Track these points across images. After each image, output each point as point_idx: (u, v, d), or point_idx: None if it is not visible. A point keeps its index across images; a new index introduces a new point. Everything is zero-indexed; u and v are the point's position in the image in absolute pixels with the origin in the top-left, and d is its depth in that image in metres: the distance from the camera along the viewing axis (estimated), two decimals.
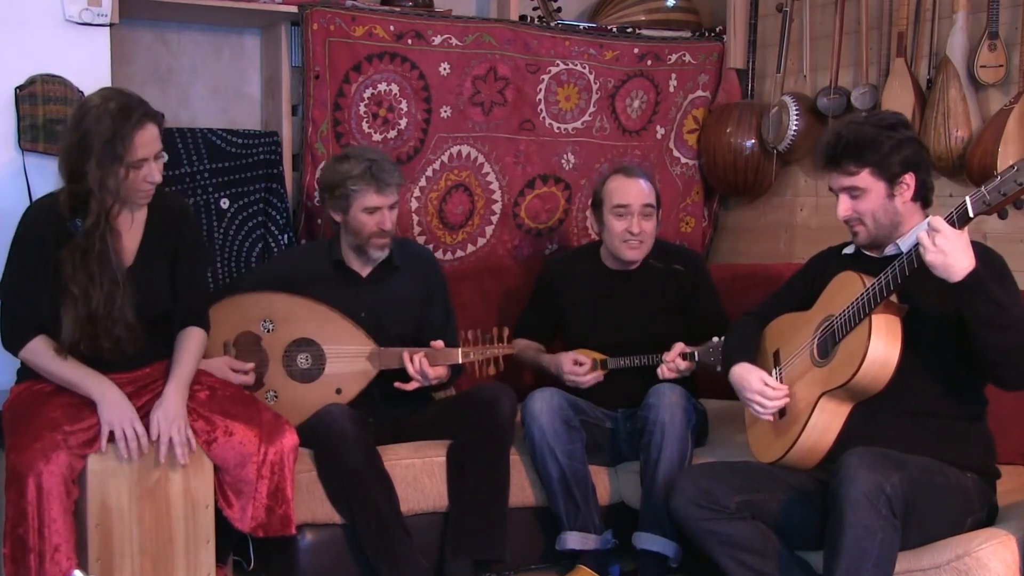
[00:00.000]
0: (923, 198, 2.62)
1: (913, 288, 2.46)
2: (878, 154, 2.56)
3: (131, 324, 2.67)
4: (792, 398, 2.71)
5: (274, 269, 3.38)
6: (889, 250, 2.62)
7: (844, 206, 2.61)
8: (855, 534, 2.28)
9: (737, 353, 2.85)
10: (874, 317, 2.46)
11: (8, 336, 2.70)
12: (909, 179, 2.57)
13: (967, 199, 2.29)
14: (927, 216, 2.59)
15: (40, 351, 2.66)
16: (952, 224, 2.30)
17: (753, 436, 2.87)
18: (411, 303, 3.28)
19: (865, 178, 2.58)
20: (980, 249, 2.39)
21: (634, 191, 3.35)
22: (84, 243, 2.63)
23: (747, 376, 2.76)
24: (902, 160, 2.56)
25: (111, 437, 2.62)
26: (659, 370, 3.20)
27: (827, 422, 2.59)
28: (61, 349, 2.64)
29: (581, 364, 3.30)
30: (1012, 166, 2.23)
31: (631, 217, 3.33)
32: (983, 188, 2.26)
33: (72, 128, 2.64)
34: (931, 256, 2.30)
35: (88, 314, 2.63)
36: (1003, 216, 2.34)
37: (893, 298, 2.46)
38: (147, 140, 2.64)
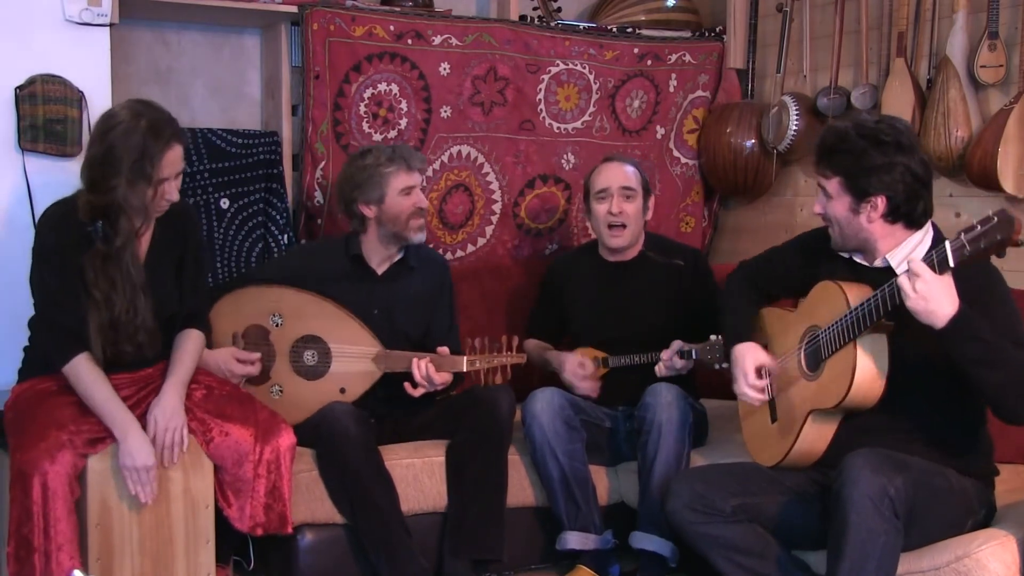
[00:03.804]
0: (904, 220, 2.51)
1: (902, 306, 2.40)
2: (850, 167, 2.49)
3: (152, 329, 2.68)
4: (784, 403, 2.71)
5: (291, 262, 3.37)
6: (879, 262, 2.56)
7: (817, 204, 2.62)
8: (858, 536, 2.28)
9: (739, 325, 2.83)
10: (859, 340, 2.43)
11: (54, 350, 2.66)
12: (879, 201, 2.48)
13: (947, 246, 2.22)
14: (914, 233, 2.53)
15: (83, 370, 2.62)
16: (932, 268, 2.24)
17: (748, 434, 2.88)
18: (423, 303, 3.29)
19: (834, 185, 2.54)
20: (981, 266, 2.35)
21: (614, 174, 3.41)
22: (105, 250, 2.62)
23: (745, 355, 2.74)
24: (875, 181, 2.46)
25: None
26: (656, 368, 3.20)
27: (818, 433, 2.59)
28: (99, 367, 2.62)
29: (583, 366, 3.31)
30: (991, 216, 2.15)
31: (611, 199, 3.36)
32: (963, 236, 2.19)
33: (97, 139, 2.62)
34: (912, 303, 2.25)
35: (111, 320, 2.63)
36: (1001, 255, 2.26)
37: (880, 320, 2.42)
38: (174, 159, 2.65)
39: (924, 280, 2.23)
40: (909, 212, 2.50)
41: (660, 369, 3.20)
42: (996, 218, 2.14)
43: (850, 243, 2.58)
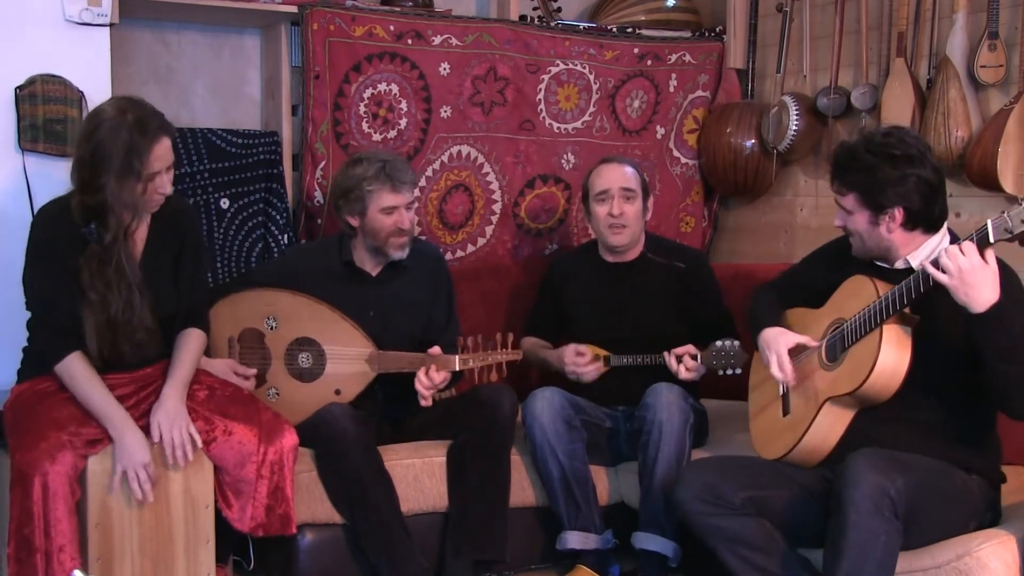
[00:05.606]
0: (922, 226, 2.56)
1: (927, 300, 2.43)
2: (865, 184, 2.54)
3: (150, 328, 2.68)
4: (799, 396, 2.70)
5: (285, 265, 3.37)
6: (899, 264, 2.60)
7: (837, 218, 2.66)
8: (858, 536, 2.28)
9: (767, 317, 2.84)
10: (885, 327, 2.46)
11: (47, 349, 2.67)
12: (897, 212, 2.53)
13: (988, 224, 2.26)
14: (932, 236, 2.57)
15: (76, 370, 2.63)
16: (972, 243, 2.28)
17: (756, 430, 2.87)
18: (419, 303, 3.28)
19: (850, 201, 2.59)
20: (1001, 269, 2.35)
21: (614, 175, 3.40)
22: (100, 251, 2.61)
23: (777, 338, 2.73)
24: (891, 194, 2.51)
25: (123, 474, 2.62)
26: (678, 369, 3.19)
27: (831, 425, 2.59)
28: (92, 366, 2.62)
29: (582, 354, 3.31)
30: None
31: (611, 200, 3.36)
32: (1005, 214, 2.23)
33: (84, 138, 2.61)
34: (952, 282, 2.29)
35: (108, 320, 2.62)
36: None
37: (905, 308, 2.45)
38: (162, 153, 2.63)
39: (970, 262, 2.26)
40: (927, 217, 2.55)
41: (681, 372, 3.18)
42: None
43: (872, 252, 2.62)
